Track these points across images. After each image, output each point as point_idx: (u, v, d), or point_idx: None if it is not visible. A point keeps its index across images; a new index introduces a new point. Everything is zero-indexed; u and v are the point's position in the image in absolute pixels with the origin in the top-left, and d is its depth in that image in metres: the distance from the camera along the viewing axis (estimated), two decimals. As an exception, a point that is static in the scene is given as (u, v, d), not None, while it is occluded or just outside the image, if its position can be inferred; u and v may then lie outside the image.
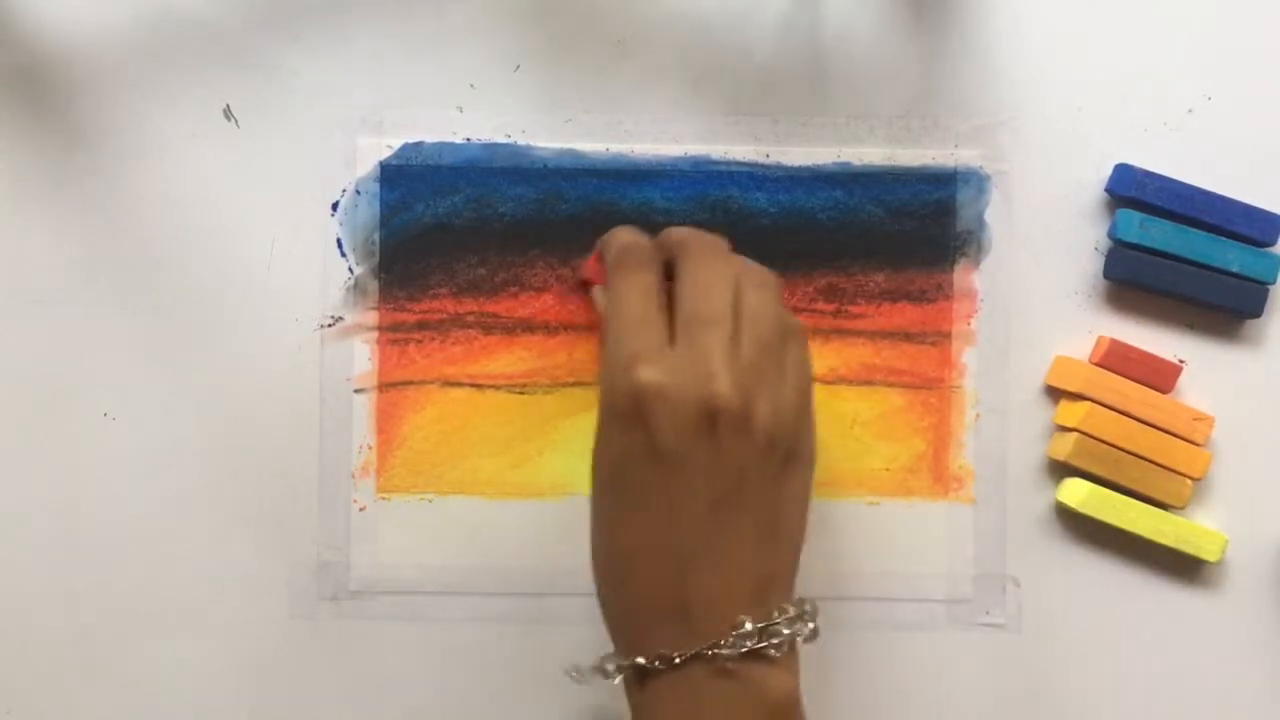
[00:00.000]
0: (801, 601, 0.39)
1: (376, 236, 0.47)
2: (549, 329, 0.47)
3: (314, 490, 0.47)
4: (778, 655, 0.37)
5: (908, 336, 0.47)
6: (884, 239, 0.47)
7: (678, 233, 0.42)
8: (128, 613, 0.47)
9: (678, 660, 0.37)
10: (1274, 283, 0.47)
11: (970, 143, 0.47)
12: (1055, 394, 0.47)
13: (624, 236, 0.43)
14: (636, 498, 0.38)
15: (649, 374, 0.38)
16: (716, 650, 0.37)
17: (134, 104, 0.47)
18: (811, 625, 0.38)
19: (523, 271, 0.47)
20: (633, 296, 0.40)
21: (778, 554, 0.39)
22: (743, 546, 0.38)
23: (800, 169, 0.47)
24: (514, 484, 0.47)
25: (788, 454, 0.39)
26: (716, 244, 0.41)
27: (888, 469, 0.47)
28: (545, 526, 0.47)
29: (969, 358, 0.47)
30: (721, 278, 0.40)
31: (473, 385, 0.47)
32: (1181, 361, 0.47)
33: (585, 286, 0.47)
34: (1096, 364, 0.47)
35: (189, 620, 0.47)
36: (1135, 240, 0.46)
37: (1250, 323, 0.47)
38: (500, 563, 0.47)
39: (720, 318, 0.39)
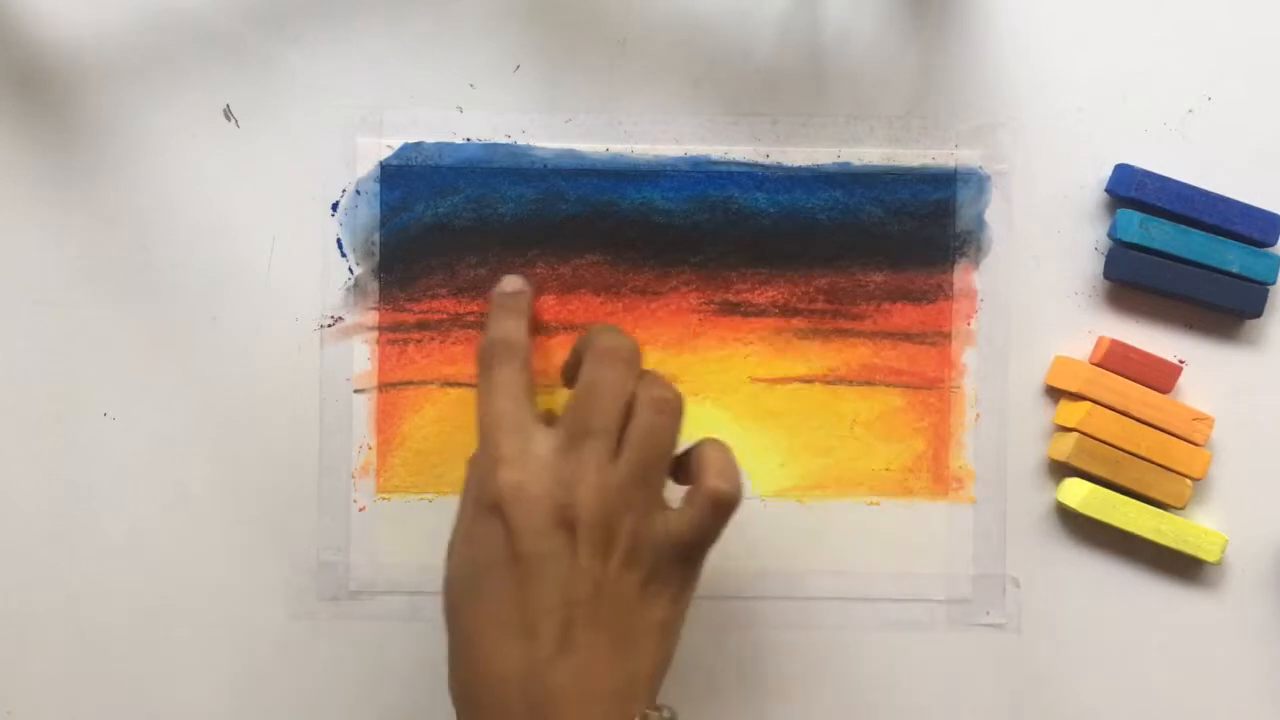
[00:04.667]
0: (661, 709, 0.38)
1: (376, 236, 0.47)
2: (549, 329, 0.47)
3: (314, 490, 0.47)
4: None
5: (907, 337, 0.47)
6: (884, 239, 0.47)
7: (594, 331, 0.41)
8: (128, 612, 0.47)
9: None
10: (1274, 283, 0.47)
11: (970, 143, 0.47)
12: (1055, 394, 0.47)
13: (503, 331, 0.43)
14: (494, 603, 0.38)
15: (510, 474, 0.38)
16: None
17: (134, 104, 0.47)
18: None
19: (523, 271, 0.47)
20: (499, 398, 0.40)
21: (636, 669, 0.38)
22: (597, 659, 0.38)
23: (800, 169, 0.47)
24: (514, 484, 0.47)
25: (648, 579, 0.39)
26: (624, 351, 0.40)
27: (888, 469, 0.47)
28: (544, 526, 0.47)
29: (969, 358, 0.47)
30: (618, 388, 0.39)
31: (473, 385, 0.47)
32: (1181, 361, 0.47)
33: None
34: (1096, 364, 0.47)
35: (189, 620, 0.47)
36: (1135, 240, 0.46)
37: (1250, 323, 0.47)
38: (500, 563, 0.47)
39: (602, 432, 0.39)
